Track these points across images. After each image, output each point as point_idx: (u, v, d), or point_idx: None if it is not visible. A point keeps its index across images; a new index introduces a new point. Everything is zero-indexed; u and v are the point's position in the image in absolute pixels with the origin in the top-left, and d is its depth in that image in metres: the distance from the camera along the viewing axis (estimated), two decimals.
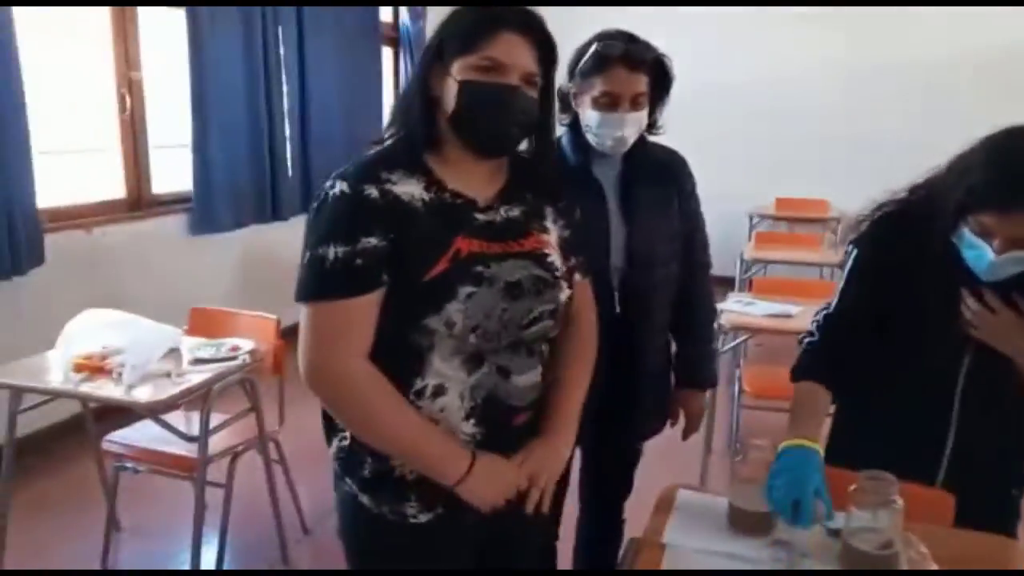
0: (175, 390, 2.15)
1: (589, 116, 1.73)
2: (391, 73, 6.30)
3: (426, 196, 1.21)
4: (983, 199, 1.31)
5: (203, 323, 2.70)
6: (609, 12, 6.31)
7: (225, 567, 2.49)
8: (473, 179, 1.26)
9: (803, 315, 3.01)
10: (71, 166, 3.90)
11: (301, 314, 1.20)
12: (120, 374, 2.19)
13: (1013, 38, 5.63)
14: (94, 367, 2.23)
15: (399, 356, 1.20)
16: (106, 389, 2.18)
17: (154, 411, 2.18)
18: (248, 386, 2.45)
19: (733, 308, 3.07)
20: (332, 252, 1.15)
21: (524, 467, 1.27)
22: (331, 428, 1.30)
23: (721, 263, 5.06)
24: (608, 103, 1.70)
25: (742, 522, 1.42)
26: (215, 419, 2.38)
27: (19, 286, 3.22)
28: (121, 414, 2.51)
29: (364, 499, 1.27)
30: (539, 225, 1.31)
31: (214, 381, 2.25)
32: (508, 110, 1.19)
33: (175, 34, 4.02)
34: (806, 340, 1.62)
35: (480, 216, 1.25)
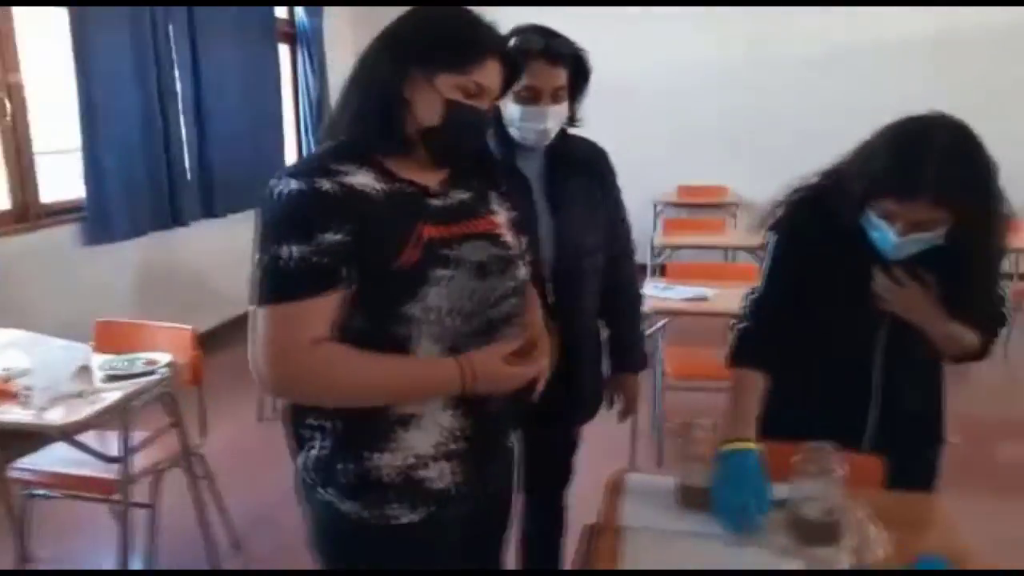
0: (91, 410, 2.03)
1: (511, 110, 1.75)
2: (289, 70, 6.13)
3: (379, 186, 1.20)
4: (883, 186, 1.38)
5: (111, 337, 2.56)
6: (509, 9, 6.38)
7: None
8: (419, 168, 1.26)
9: (718, 298, 3.14)
10: None
11: (255, 316, 1.16)
12: (28, 397, 2.05)
13: (904, 27, 6.00)
14: (1, 391, 2.08)
15: (379, 351, 1.18)
16: (13, 414, 2.03)
17: (69, 434, 2.05)
18: (168, 400, 2.34)
19: (652, 293, 3.16)
20: (289, 251, 1.12)
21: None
22: (300, 439, 1.28)
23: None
24: (529, 97, 1.72)
25: (692, 498, 1.47)
26: (134, 437, 2.27)
27: None
28: (22, 438, 2.35)
29: (344, 506, 1.25)
30: (487, 208, 1.34)
31: (132, 398, 2.14)
32: (482, 134, 1.26)
33: (57, 33, 3.78)
34: (738, 326, 1.67)
35: (434, 201, 1.26)
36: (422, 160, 1.25)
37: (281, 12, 5.87)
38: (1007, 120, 4.56)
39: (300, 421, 1.27)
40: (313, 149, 6.00)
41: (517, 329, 1.30)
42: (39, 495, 2.37)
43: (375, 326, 1.18)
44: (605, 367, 2.06)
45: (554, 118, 1.75)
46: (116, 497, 2.17)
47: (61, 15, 3.75)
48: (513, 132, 1.78)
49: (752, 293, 1.69)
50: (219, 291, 4.90)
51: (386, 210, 1.18)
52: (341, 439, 1.24)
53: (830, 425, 1.53)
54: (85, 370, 2.24)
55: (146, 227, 4.26)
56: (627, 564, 1.30)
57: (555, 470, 2.08)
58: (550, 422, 1.89)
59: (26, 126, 3.69)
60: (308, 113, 6.14)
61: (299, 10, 5.92)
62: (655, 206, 6.24)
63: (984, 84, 5.72)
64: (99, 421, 2.09)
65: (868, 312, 1.56)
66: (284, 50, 6.03)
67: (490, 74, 1.22)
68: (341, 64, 6.72)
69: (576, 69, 1.78)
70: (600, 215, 1.90)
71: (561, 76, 1.74)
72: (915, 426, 1.67)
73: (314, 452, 1.26)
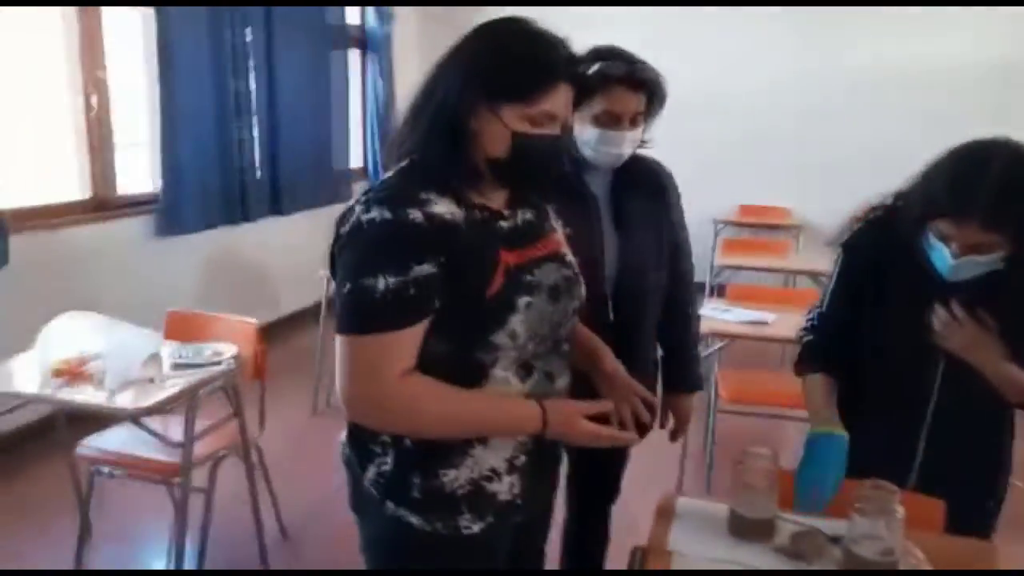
0: (160, 396, 2.11)
1: (588, 132, 1.76)
2: (358, 75, 6.26)
3: (460, 213, 1.19)
4: (939, 207, 1.41)
5: (180, 327, 2.65)
6: (580, 15, 6.39)
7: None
8: (487, 190, 1.26)
9: (778, 323, 3.09)
10: (35, 167, 3.78)
11: (341, 343, 1.16)
12: (101, 380, 2.14)
13: (971, 51, 5.83)
14: (73, 372, 2.17)
15: (460, 374, 1.19)
16: (86, 394, 2.12)
17: (137, 417, 2.13)
18: (230, 391, 2.41)
19: (710, 314, 3.13)
20: (382, 283, 1.11)
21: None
22: (365, 455, 1.28)
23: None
24: (609, 121, 1.74)
25: (744, 529, 1.45)
26: (196, 424, 2.34)
27: None
28: (93, 418, 2.45)
29: (414, 519, 1.25)
30: (550, 225, 1.35)
31: (198, 386, 2.21)
32: (556, 160, 1.24)
33: (140, 32, 3.93)
34: (804, 338, 1.72)
35: (504, 224, 1.26)
36: (490, 182, 1.24)
37: (352, 18, 5.99)
38: None
39: (372, 437, 1.26)
40: (378, 156, 6.18)
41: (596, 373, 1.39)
42: (104, 473, 2.46)
43: (459, 353, 1.19)
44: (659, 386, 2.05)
45: (630, 143, 1.78)
46: (176, 480, 2.24)
47: (144, 14, 3.89)
48: (587, 152, 1.79)
49: (819, 306, 1.72)
50: (280, 286, 5.03)
51: (470, 239, 1.18)
52: (413, 456, 1.24)
53: (876, 453, 1.56)
54: (155, 357, 2.33)
55: (215, 221, 4.40)
56: None
57: (603, 486, 2.09)
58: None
59: (108, 121, 3.84)
60: (375, 117, 6.25)
61: (369, 16, 6.03)
62: (715, 224, 6.17)
63: None
64: (166, 407, 2.17)
65: (925, 344, 1.53)
66: (354, 55, 6.16)
67: (559, 100, 1.19)
68: (409, 69, 6.83)
69: (653, 94, 1.79)
70: (663, 234, 1.91)
71: (641, 102, 1.76)
72: (966, 470, 1.62)
73: (385, 468, 1.25)
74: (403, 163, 1.24)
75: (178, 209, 4.11)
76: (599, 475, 2.07)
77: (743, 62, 6.36)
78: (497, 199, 1.28)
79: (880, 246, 1.58)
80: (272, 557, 2.63)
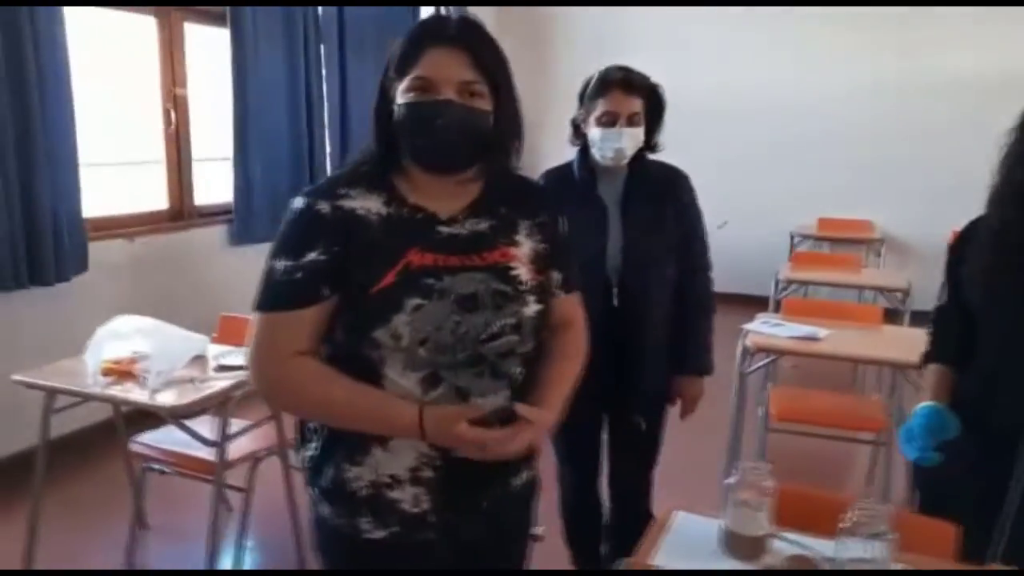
0: (196, 396, 2.22)
1: (593, 133, 2.04)
2: None
3: (384, 210, 1.23)
4: None
5: (231, 331, 2.77)
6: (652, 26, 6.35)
7: (243, 568, 2.54)
8: (437, 194, 1.26)
9: (831, 339, 2.95)
10: (118, 178, 4.06)
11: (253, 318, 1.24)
12: (146, 379, 2.27)
13: None
14: (122, 371, 2.32)
15: (354, 369, 1.20)
16: (133, 393, 2.26)
17: (176, 415, 2.25)
18: None
19: (759, 329, 3.03)
20: (280, 265, 1.20)
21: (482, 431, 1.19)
22: (304, 436, 1.33)
23: (758, 282, 4.99)
24: (608, 120, 2.01)
25: (736, 546, 1.41)
26: (238, 425, 2.44)
27: (63, 292, 3.35)
28: (151, 418, 2.59)
29: (324, 509, 1.29)
30: (508, 239, 1.29)
31: (235, 388, 2.31)
32: (442, 125, 1.18)
33: (219, 50, 4.16)
34: (928, 332, 1.77)
35: (443, 229, 1.25)
36: (440, 184, 1.25)
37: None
38: None
39: (304, 420, 1.33)
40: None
41: (516, 368, 1.27)
42: (155, 469, 2.59)
43: (350, 345, 1.21)
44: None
45: (629, 139, 2.01)
46: (211, 478, 2.34)
47: (223, 34, 4.12)
48: (595, 152, 2.05)
49: (938, 301, 1.77)
50: None
51: (377, 235, 1.21)
52: (328, 446, 1.28)
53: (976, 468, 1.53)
54: (200, 359, 2.45)
55: None
56: None
57: (633, 465, 2.25)
58: (614, 415, 2.20)
59: (187, 135, 4.08)
60: None
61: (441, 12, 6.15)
62: (792, 237, 5.97)
63: None
64: (204, 406, 2.27)
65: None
66: None
67: (433, 64, 1.19)
68: None
69: (652, 100, 2.06)
70: (670, 232, 2.10)
71: (636, 104, 2.02)
72: None
73: (309, 452, 1.31)
74: (352, 164, 1.31)
75: (250, 219, 4.31)
76: (623, 460, 2.24)
77: (834, 72, 6.14)
78: (449, 203, 1.26)
79: (968, 245, 1.61)
80: (309, 555, 2.70)
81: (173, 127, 4.00)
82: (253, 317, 1.22)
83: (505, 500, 1.35)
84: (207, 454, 2.41)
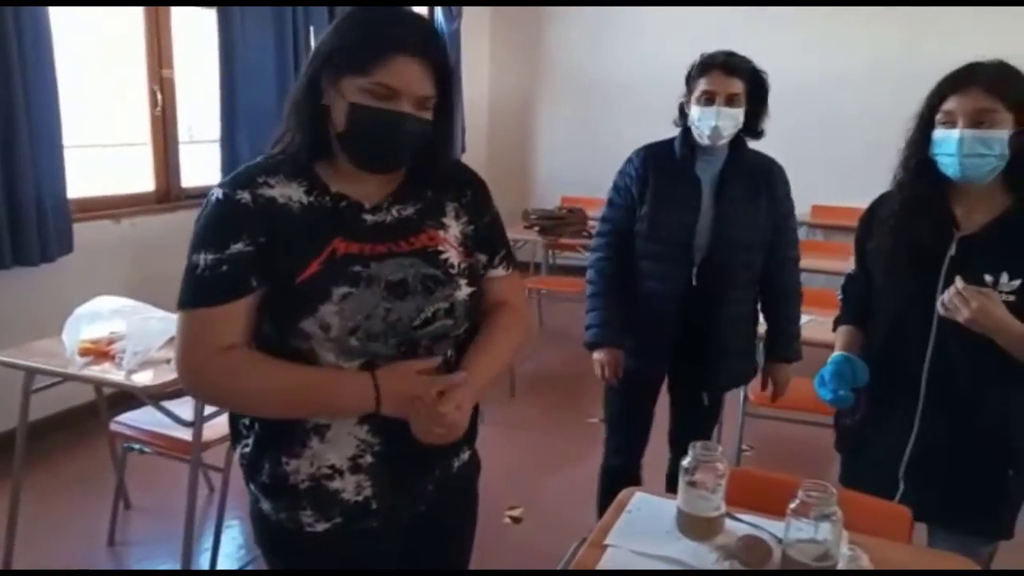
0: (173, 376, 2.23)
1: (694, 112, 2.13)
2: None
3: (305, 199, 1.20)
4: (940, 90, 1.52)
5: None
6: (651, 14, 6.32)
7: (221, 549, 2.56)
8: (360, 183, 1.23)
9: (811, 326, 2.95)
10: (104, 160, 4.06)
11: (178, 315, 1.20)
12: (122, 359, 2.28)
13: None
14: (99, 351, 2.33)
15: (287, 360, 1.18)
16: (110, 373, 2.27)
17: (152, 395, 2.26)
18: None
19: None
20: (203, 259, 1.15)
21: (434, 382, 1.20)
22: (236, 434, 1.30)
23: None
24: (707, 100, 2.10)
25: (690, 526, 1.43)
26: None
27: (48, 273, 3.36)
28: (133, 399, 2.60)
29: (265, 505, 1.27)
30: (435, 222, 1.28)
31: None
32: (396, 135, 1.17)
33: (206, 31, 4.14)
34: (839, 297, 1.89)
35: (368, 217, 1.23)
36: (368, 175, 1.23)
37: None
38: None
39: (237, 417, 1.29)
40: (466, 152, 6.25)
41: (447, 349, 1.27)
42: (135, 449, 2.62)
43: (278, 338, 1.18)
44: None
45: (727, 119, 2.10)
46: (189, 457, 2.36)
47: (210, 15, 4.11)
48: (694, 130, 2.14)
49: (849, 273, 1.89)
50: None
51: (300, 224, 1.18)
52: (262, 441, 1.25)
53: (882, 418, 1.65)
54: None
55: None
56: None
57: (692, 432, 2.29)
58: (685, 387, 2.35)
59: (174, 117, 4.08)
60: None
61: (437, 12, 6.13)
62: None
63: None
64: (177, 388, 2.28)
65: (925, 298, 1.56)
66: None
67: (399, 74, 1.14)
68: (478, 66, 6.92)
69: (754, 84, 2.14)
70: (761, 219, 2.18)
71: (735, 85, 2.10)
72: (974, 441, 1.56)
73: (244, 448, 1.28)
74: (271, 154, 1.25)
75: None
76: (687, 426, 2.36)
77: (832, 57, 6.11)
78: (373, 190, 1.25)
79: (884, 205, 1.70)
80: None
81: (159, 108, 3.99)
82: (178, 316, 1.17)
83: (448, 481, 1.35)
84: (185, 434, 2.42)
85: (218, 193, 1.18)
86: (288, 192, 1.20)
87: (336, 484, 1.23)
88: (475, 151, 6.74)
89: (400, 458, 1.25)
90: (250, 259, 1.16)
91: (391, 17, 1.19)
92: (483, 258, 1.35)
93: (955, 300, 1.46)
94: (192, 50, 4.19)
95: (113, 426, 2.60)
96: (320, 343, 1.16)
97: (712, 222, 2.14)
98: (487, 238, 1.35)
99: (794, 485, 1.32)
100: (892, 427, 1.65)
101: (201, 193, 4.24)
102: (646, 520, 1.48)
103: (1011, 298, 1.47)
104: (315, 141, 1.20)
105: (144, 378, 2.24)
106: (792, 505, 1.29)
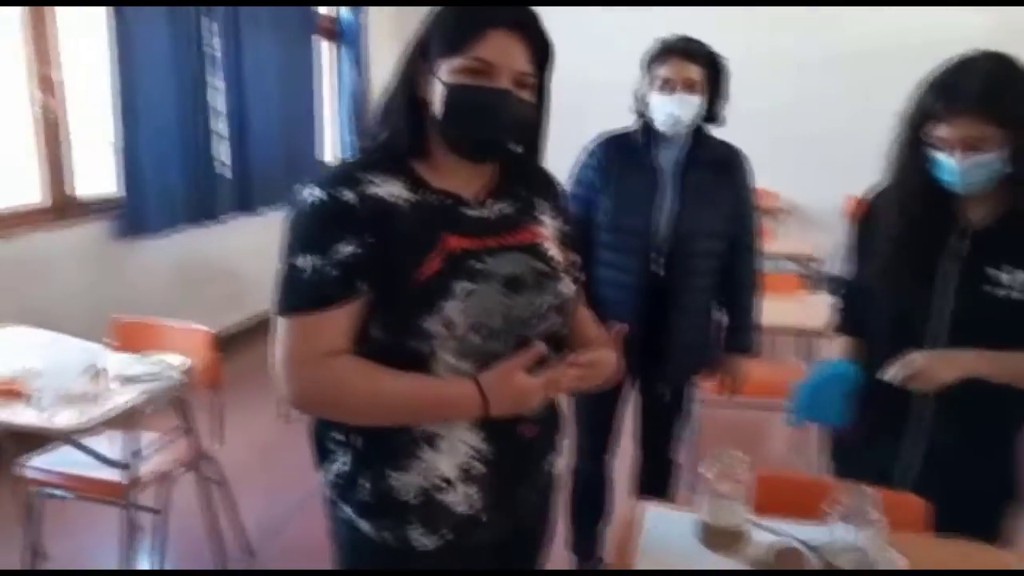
0: (97, 413, 1.97)
1: (653, 100, 2.07)
2: (330, 68, 6.11)
3: (410, 196, 1.15)
4: (932, 111, 1.41)
5: (130, 336, 2.52)
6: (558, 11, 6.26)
7: None
8: (460, 178, 1.20)
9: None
10: None
11: (276, 323, 1.15)
12: (38, 398, 2.00)
13: (958, 29, 5.70)
14: (10, 391, 2.04)
15: (399, 366, 1.13)
16: (23, 415, 1.98)
17: (74, 437, 2.00)
18: (181, 405, 2.28)
19: None
20: (308, 263, 1.10)
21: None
22: (324, 452, 1.23)
23: None
24: (665, 86, 2.04)
25: (715, 538, 1.35)
26: (147, 440, 2.21)
27: None
28: (38, 438, 2.32)
29: (363, 525, 1.20)
30: (533, 218, 1.26)
31: (142, 401, 2.08)
32: (497, 115, 1.13)
33: (97, 29, 3.78)
34: (836, 305, 1.80)
35: (471, 213, 1.19)
36: (463, 167, 1.19)
37: (324, 7, 5.84)
38: None
39: (325, 434, 1.22)
40: (351, 150, 6.05)
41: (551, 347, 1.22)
42: (52, 495, 2.33)
43: (393, 339, 1.13)
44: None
45: (686, 106, 2.04)
46: (120, 501, 2.11)
47: (100, 12, 3.75)
48: (654, 119, 2.08)
49: (841, 271, 1.81)
50: (253, 287, 4.89)
51: (410, 221, 1.13)
52: (362, 455, 1.19)
53: (887, 428, 1.57)
54: (99, 372, 2.20)
55: (181, 222, 4.25)
56: None
57: (659, 428, 2.36)
58: (649, 379, 2.26)
59: (65, 123, 3.69)
60: (349, 110, 6.11)
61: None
62: None
63: None
64: (107, 425, 2.03)
65: (940, 299, 1.49)
66: (326, 46, 6.00)
67: (496, 48, 1.11)
68: (384, 59, 6.68)
69: (713, 70, 2.08)
70: (723, 207, 2.15)
71: (693, 71, 2.04)
72: (967, 469, 1.51)
73: (336, 467, 1.21)
74: (363, 150, 1.22)
75: (141, 210, 3.96)
76: (653, 417, 2.35)
77: (734, 45, 6.17)
78: (470, 186, 1.21)
79: (872, 217, 1.61)
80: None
81: (46, 113, 3.61)
82: (280, 321, 1.13)
83: (544, 489, 1.36)
84: (113, 475, 2.17)
85: (317, 193, 1.13)
86: (393, 190, 1.15)
87: (447, 497, 1.18)
88: None
89: (510, 466, 1.22)
90: (359, 261, 1.11)
91: None
92: (577, 260, 1.33)
93: (901, 373, 1.43)
94: (79, 48, 3.81)
95: (24, 471, 2.30)
96: (443, 342, 1.13)
97: (674, 212, 2.10)
98: (572, 241, 1.34)
99: (810, 484, 1.27)
100: (897, 437, 1.58)
101: (98, 204, 3.90)
102: (666, 537, 1.38)
103: (1023, 296, 1.42)
104: (414, 136, 1.16)
105: (64, 418, 1.97)
106: (830, 510, 1.22)
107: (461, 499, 1.19)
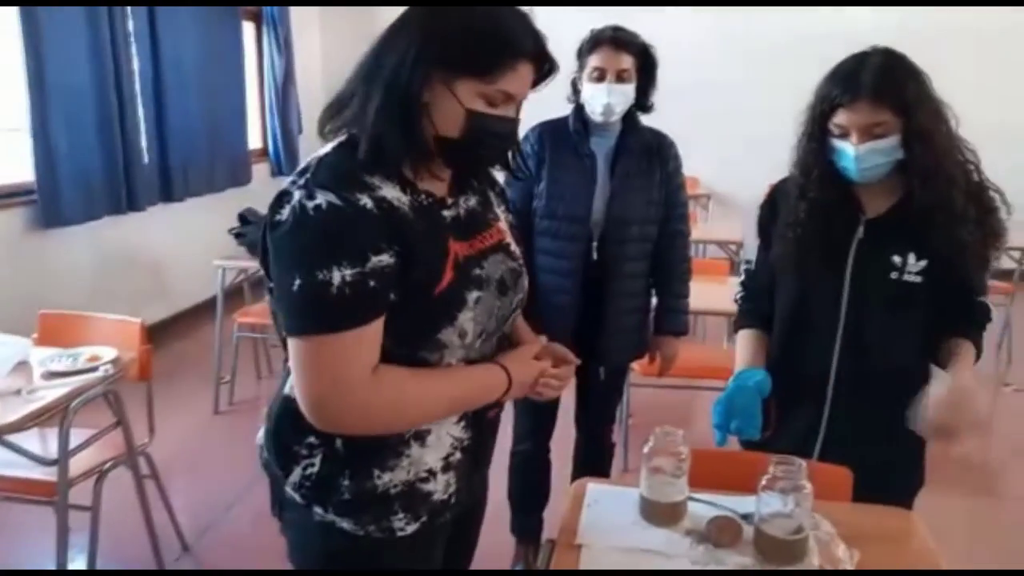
0: (26, 410, 1.91)
1: (585, 89, 2.14)
2: (253, 50, 5.96)
3: (407, 200, 1.10)
4: (831, 99, 1.49)
5: (55, 330, 2.44)
6: None
7: None
8: (435, 177, 1.16)
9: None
10: None
11: (298, 345, 1.04)
12: None
13: (871, 17, 5.95)
14: None
15: None
16: None
17: (2, 435, 1.93)
18: (111, 399, 2.22)
19: None
20: (338, 276, 1.00)
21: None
22: (288, 457, 1.17)
23: None
24: (597, 76, 2.11)
25: (655, 513, 1.41)
26: (76, 436, 2.15)
27: None
28: None
29: (344, 523, 1.17)
30: (493, 213, 1.26)
31: (72, 397, 2.02)
32: (506, 143, 1.16)
33: (5, 9, 3.59)
34: (738, 296, 1.82)
35: (447, 213, 1.16)
36: (437, 167, 1.15)
37: None
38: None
39: (296, 438, 1.15)
40: (278, 135, 5.92)
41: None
42: None
43: (403, 350, 1.10)
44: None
45: (618, 95, 2.11)
46: (50, 500, 2.05)
47: None
48: (587, 108, 2.15)
49: (747, 265, 1.84)
50: (177, 278, 4.77)
51: (420, 228, 1.09)
52: (344, 457, 1.14)
53: (790, 416, 1.63)
54: (23, 366, 2.13)
55: (100, 211, 4.11)
56: None
57: (596, 409, 2.45)
58: (585, 361, 2.25)
59: None
60: (273, 94, 5.98)
61: None
62: None
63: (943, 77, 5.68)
64: (36, 422, 1.97)
65: (834, 284, 1.58)
66: (248, 28, 5.85)
67: (520, 80, 1.09)
68: (309, 42, 6.56)
69: (643, 60, 2.16)
70: (654, 192, 2.21)
71: (625, 60, 2.12)
72: (886, 422, 1.58)
73: (302, 470, 1.16)
74: (340, 138, 1.12)
75: (57, 199, 3.81)
76: (591, 399, 2.42)
77: (652, 31, 6.31)
78: (442, 185, 1.18)
79: (787, 197, 1.64)
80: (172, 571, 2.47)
81: None
82: (305, 342, 1.03)
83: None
84: (43, 474, 2.10)
85: (331, 197, 1.02)
86: (394, 194, 1.09)
87: (429, 486, 1.20)
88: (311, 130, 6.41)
89: (481, 450, 1.28)
90: (392, 272, 1.04)
91: (514, 16, 1.10)
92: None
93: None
94: None
95: None
96: (452, 351, 1.13)
97: (607, 198, 2.15)
98: (519, 232, 1.36)
99: (753, 462, 1.34)
100: (800, 423, 1.65)
101: (9, 192, 3.72)
102: (609, 513, 1.44)
103: (918, 279, 1.52)
104: (409, 139, 1.08)
105: None
106: (763, 481, 1.30)
107: (441, 487, 1.21)
